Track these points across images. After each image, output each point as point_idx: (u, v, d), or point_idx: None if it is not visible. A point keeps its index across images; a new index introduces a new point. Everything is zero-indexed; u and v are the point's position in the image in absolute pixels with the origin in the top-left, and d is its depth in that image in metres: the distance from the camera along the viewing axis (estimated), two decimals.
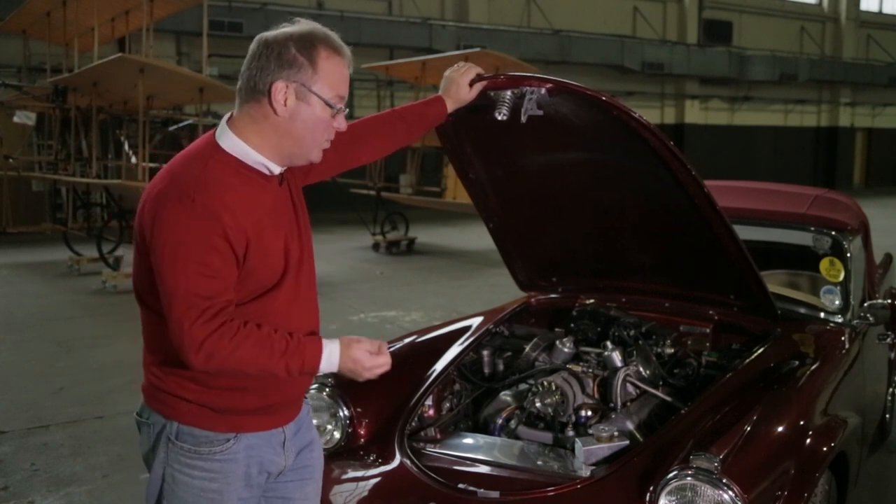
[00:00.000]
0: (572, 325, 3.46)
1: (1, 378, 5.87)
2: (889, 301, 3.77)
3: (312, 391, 2.87)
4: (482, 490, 2.43)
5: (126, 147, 11.61)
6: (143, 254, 1.80)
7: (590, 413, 2.89)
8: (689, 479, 2.18)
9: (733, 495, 2.13)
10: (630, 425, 2.80)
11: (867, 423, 3.32)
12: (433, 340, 3.39)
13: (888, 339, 3.70)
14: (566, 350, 3.23)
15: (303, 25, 1.86)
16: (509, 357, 3.39)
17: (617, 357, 3.06)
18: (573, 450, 2.65)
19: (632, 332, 3.27)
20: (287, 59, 1.81)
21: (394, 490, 2.56)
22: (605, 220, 3.27)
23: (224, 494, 1.88)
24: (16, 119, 10.79)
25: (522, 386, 3.15)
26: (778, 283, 3.85)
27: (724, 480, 2.14)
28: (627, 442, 2.63)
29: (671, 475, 2.21)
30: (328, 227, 14.10)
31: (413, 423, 2.86)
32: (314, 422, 2.75)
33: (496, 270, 8.14)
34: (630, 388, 3.00)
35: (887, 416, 4.22)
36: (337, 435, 2.82)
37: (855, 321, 3.46)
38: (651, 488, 2.26)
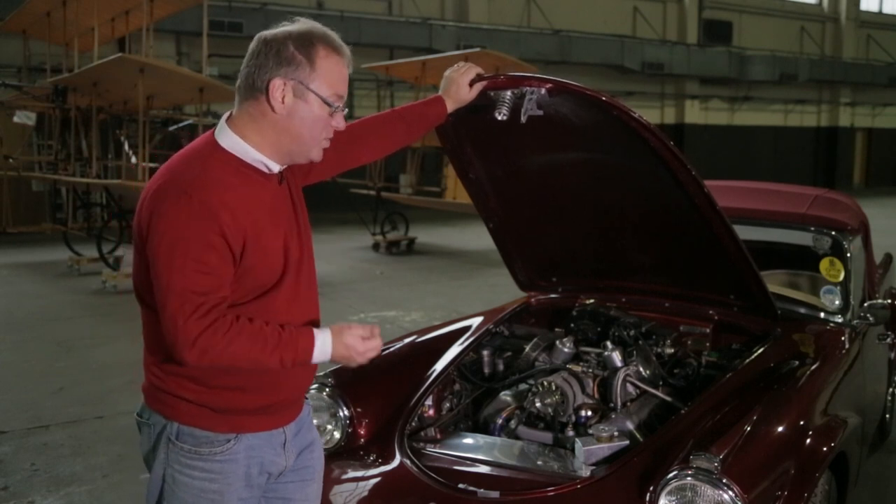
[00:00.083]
0: (572, 325, 3.46)
1: (1, 378, 5.87)
2: (889, 301, 3.77)
3: (312, 391, 2.87)
4: (482, 490, 2.43)
5: (126, 147, 11.62)
6: (143, 252, 1.80)
7: (590, 413, 2.89)
8: (689, 479, 2.18)
9: (733, 495, 2.13)
10: (630, 425, 2.80)
11: (867, 423, 3.32)
12: (433, 340, 3.39)
13: (888, 339, 3.70)
14: (566, 350, 3.23)
15: (302, 24, 1.87)
16: (509, 357, 3.39)
17: (617, 357, 3.06)
18: (573, 450, 2.65)
19: (632, 332, 3.27)
20: (285, 56, 1.81)
21: (394, 490, 2.56)
22: (605, 220, 3.27)
23: (224, 495, 1.88)
24: (16, 119, 10.80)
25: (522, 386, 3.15)
26: (778, 283, 3.85)
27: (724, 480, 2.14)
28: (627, 442, 2.63)
29: (671, 475, 2.21)
30: (328, 227, 14.10)
31: (413, 423, 2.86)
32: (314, 422, 2.76)
33: (496, 270, 8.14)
34: (630, 388, 3.00)
35: (887, 416, 4.22)
36: (337, 435, 2.82)
37: (855, 321, 3.46)
38: (651, 488, 2.26)
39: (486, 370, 3.35)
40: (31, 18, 11.40)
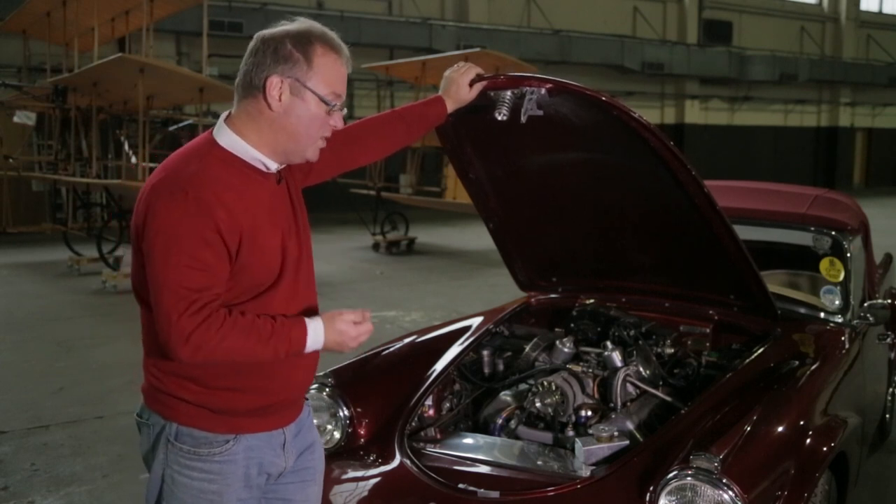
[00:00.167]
0: (572, 325, 3.46)
1: (1, 378, 5.87)
2: (889, 301, 3.77)
3: (312, 391, 2.87)
4: (482, 490, 2.43)
5: (126, 147, 11.62)
6: (140, 251, 1.80)
7: (590, 413, 2.89)
8: (689, 479, 2.18)
9: (733, 495, 2.13)
10: (630, 425, 2.80)
11: (867, 423, 3.32)
12: (433, 340, 3.39)
13: (888, 339, 3.70)
14: (566, 350, 3.23)
15: (301, 23, 1.87)
16: (509, 357, 3.39)
17: (617, 357, 3.06)
18: (573, 450, 2.65)
19: (632, 332, 3.27)
20: (282, 54, 1.82)
21: (394, 490, 2.56)
22: (605, 220, 3.27)
23: (223, 496, 1.88)
24: (16, 119, 10.80)
25: (522, 386, 3.15)
26: (778, 283, 3.85)
27: (724, 480, 2.14)
28: (627, 442, 2.63)
29: (671, 475, 2.21)
30: (328, 227, 14.09)
31: (413, 423, 2.86)
32: (314, 422, 2.76)
33: (496, 270, 8.14)
34: (630, 388, 3.00)
35: (887, 416, 4.22)
36: (337, 435, 2.82)
37: (855, 321, 3.46)
38: (651, 488, 2.26)
39: (486, 370, 3.35)
40: (31, 18, 11.40)
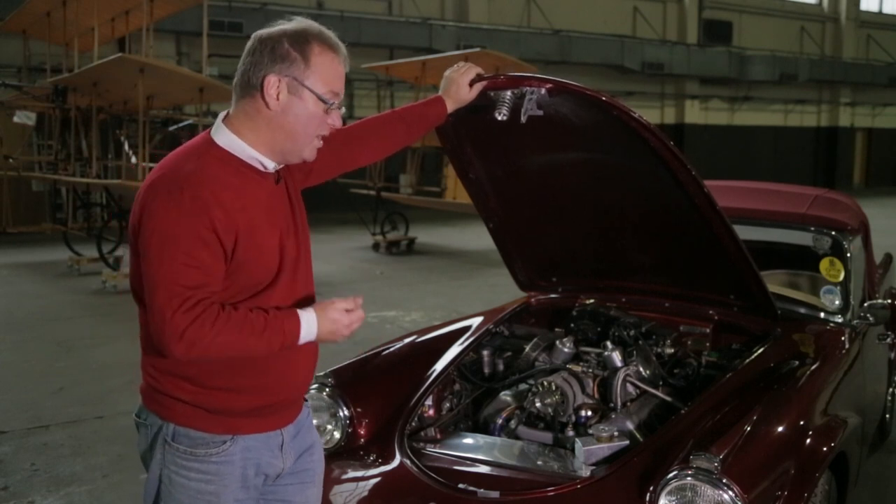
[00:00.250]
0: (572, 325, 3.46)
1: (1, 378, 5.87)
2: (889, 301, 3.77)
3: (312, 391, 2.87)
4: (482, 490, 2.43)
5: (126, 147, 11.61)
6: (137, 249, 1.80)
7: (590, 413, 2.89)
8: (689, 479, 2.18)
9: (733, 495, 2.13)
10: (630, 425, 2.80)
11: (867, 423, 3.32)
12: (433, 340, 3.39)
13: (888, 339, 3.70)
14: (566, 350, 3.23)
15: (298, 23, 1.87)
16: (509, 357, 3.39)
17: (617, 357, 3.06)
18: (573, 450, 2.65)
19: (632, 332, 3.27)
20: (280, 53, 1.82)
21: (394, 490, 2.56)
22: (605, 220, 3.27)
23: (221, 496, 1.87)
24: (16, 119, 10.80)
25: (522, 386, 3.15)
26: (778, 283, 3.85)
27: (724, 480, 2.14)
28: (627, 442, 2.63)
29: (671, 475, 2.21)
30: (328, 227, 14.10)
31: (413, 423, 2.86)
32: (314, 422, 2.76)
33: (496, 270, 8.14)
34: (630, 388, 3.00)
35: (887, 416, 4.22)
36: (337, 435, 2.82)
37: (855, 321, 3.46)
38: (651, 488, 2.26)
39: (486, 370, 3.35)
40: (31, 18, 11.40)
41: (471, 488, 2.45)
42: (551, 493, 2.39)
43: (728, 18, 25.27)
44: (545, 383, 2.92)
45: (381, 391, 2.96)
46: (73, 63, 10.59)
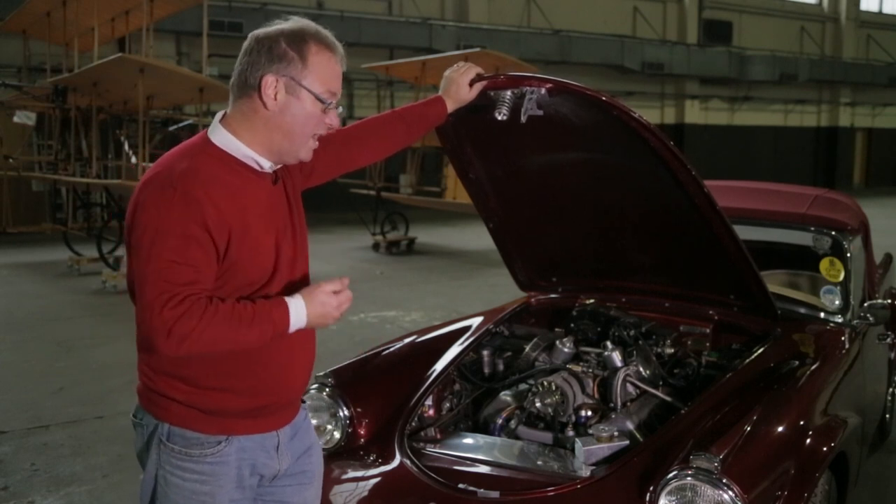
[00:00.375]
0: (572, 325, 3.46)
1: (1, 378, 5.87)
2: (889, 301, 3.77)
3: (312, 391, 2.88)
4: (482, 490, 2.43)
5: (126, 147, 11.62)
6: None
7: (590, 413, 2.89)
8: (689, 479, 2.18)
9: (733, 495, 2.13)
10: (630, 425, 2.80)
11: (867, 423, 3.32)
12: (433, 340, 3.39)
13: (888, 339, 3.70)
14: (566, 350, 3.23)
15: (295, 22, 1.87)
16: (509, 357, 3.39)
17: (617, 357, 3.06)
18: (573, 450, 2.65)
19: (632, 332, 3.27)
20: (277, 53, 1.82)
21: (394, 490, 2.56)
22: (605, 220, 3.27)
23: (216, 497, 1.87)
24: (16, 119, 10.80)
25: (522, 386, 3.15)
26: (778, 283, 3.85)
27: (724, 480, 2.14)
28: (627, 442, 2.63)
29: (671, 475, 2.21)
30: (328, 227, 14.10)
31: (413, 423, 2.86)
32: (314, 422, 2.75)
33: (496, 270, 8.14)
34: (630, 388, 3.00)
35: (887, 416, 4.22)
36: (337, 435, 2.82)
37: (855, 321, 3.46)
38: (651, 488, 2.26)
39: (486, 370, 3.35)
40: (31, 18, 11.41)
41: (471, 488, 2.45)
42: (551, 493, 2.39)
43: (728, 18, 25.27)
44: (545, 383, 2.92)
45: (381, 391, 2.96)
46: (73, 63, 10.59)
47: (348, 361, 3.13)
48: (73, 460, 4.34)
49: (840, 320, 3.44)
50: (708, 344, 3.36)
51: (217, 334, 1.73)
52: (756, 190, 4.32)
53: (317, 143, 1.93)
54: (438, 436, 2.91)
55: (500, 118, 2.64)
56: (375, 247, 12.61)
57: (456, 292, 9.20)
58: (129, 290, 1.88)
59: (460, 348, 3.27)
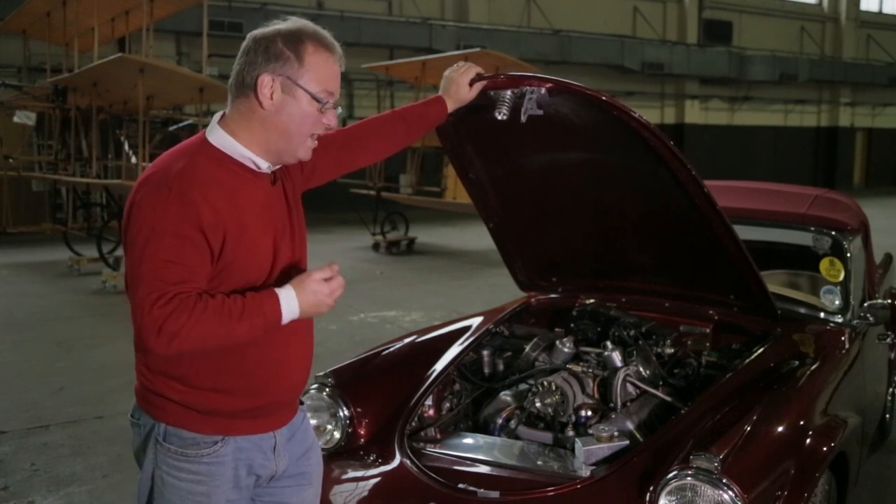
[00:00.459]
0: (572, 325, 3.46)
1: (1, 378, 5.87)
2: (889, 301, 3.76)
3: (312, 391, 2.88)
4: (482, 490, 2.43)
5: (126, 147, 11.62)
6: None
7: (590, 413, 2.89)
8: (689, 479, 2.18)
9: (733, 495, 2.13)
10: (630, 425, 2.80)
11: (867, 423, 3.32)
12: (433, 340, 3.39)
13: (888, 339, 3.70)
14: (566, 350, 3.23)
15: (293, 22, 1.87)
16: (509, 357, 3.39)
17: (617, 357, 3.06)
18: (573, 450, 2.65)
19: (632, 332, 3.27)
20: (273, 52, 1.82)
21: (394, 490, 2.56)
22: (605, 220, 3.27)
23: (212, 497, 1.87)
24: (16, 119, 10.80)
25: (522, 386, 3.15)
26: (778, 283, 3.85)
27: (724, 480, 2.14)
28: (627, 442, 2.63)
29: (671, 475, 2.21)
30: (328, 227, 14.10)
31: (413, 423, 2.86)
32: (314, 422, 2.75)
33: (496, 270, 8.14)
34: (630, 388, 3.00)
35: (887, 416, 4.22)
36: (337, 435, 2.82)
37: (855, 321, 3.46)
38: (651, 488, 2.26)
39: (486, 370, 3.35)
40: (31, 18, 11.41)
41: (471, 488, 2.45)
42: (551, 493, 2.39)
43: (728, 18, 25.27)
44: (545, 383, 2.92)
45: (381, 391, 2.96)
46: (73, 63, 10.59)
47: (348, 361, 3.13)
48: (73, 460, 4.34)
49: (840, 320, 3.44)
50: (708, 344, 3.36)
51: (207, 329, 1.71)
52: (756, 190, 4.32)
53: (316, 142, 1.93)
54: (438, 436, 2.91)
55: (500, 118, 2.64)
56: (375, 247, 12.61)
57: (456, 292, 9.19)
58: (127, 292, 1.89)
59: (460, 348, 3.27)
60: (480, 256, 11.44)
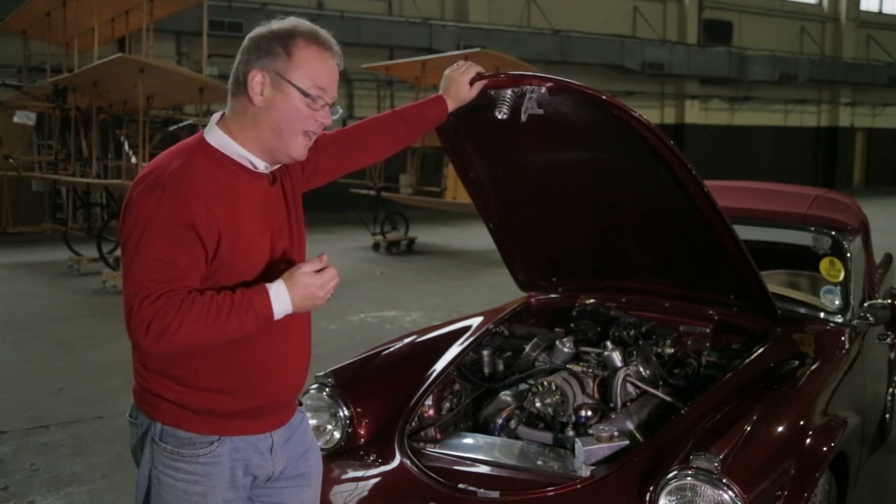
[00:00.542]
0: (572, 325, 3.46)
1: (1, 378, 5.87)
2: (889, 301, 3.77)
3: (312, 391, 2.87)
4: (482, 490, 2.43)
5: (126, 147, 11.62)
6: None
7: (590, 413, 2.89)
8: (689, 479, 2.18)
9: (733, 495, 2.12)
10: (630, 425, 2.80)
11: (867, 423, 3.32)
12: (433, 340, 3.39)
13: (888, 339, 3.70)
14: (566, 350, 3.23)
15: (290, 21, 1.87)
16: (509, 357, 3.39)
17: (617, 357, 3.06)
18: (573, 450, 2.65)
19: (632, 332, 3.27)
20: (264, 48, 1.82)
21: (394, 490, 2.56)
22: (605, 220, 3.27)
23: (208, 497, 1.86)
24: (16, 119, 10.80)
25: (522, 386, 3.15)
26: (778, 283, 3.85)
27: (724, 480, 2.14)
28: (627, 442, 2.63)
29: (671, 475, 2.21)
30: (328, 227, 14.10)
31: (413, 423, 2.86)
32: (313, 422, 2.75)
33: (496, 270, 8.13)
34: (630, 388, 3.00)
35: (887, 416, 4.22)
36: (337, 435, 2.82)
37: (855, 321, 3.46)
38: (651, 488, 2.26)
39: (486, 370, 3.35)
40: (31, 18, 11.41)
41: (471, 488, 2.45)
42: (551, 493, 2.39)
43: (728, 18, 25.27)
44: (545, 383, 2.92)
45: (381, 391, 2.96)
46: (73, 63, 10.59)
47: (348, 361, 3.12)
48: (73, 460, 4.34)
49: (840, 320, 3.44)
50: (708, 344, 3.36)
51: (196, 326, 1.70)
52: (756, 190, 4.32)
53: (310, 141, 1.91)
54: (438, 436, 2.91)
55: (500, 117, 2.64)
56: (375, 247, 12.61)
57: (456, 292, 9.19)
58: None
59: (460, 348, 3.27)
60: (480, 256, 11.44)
